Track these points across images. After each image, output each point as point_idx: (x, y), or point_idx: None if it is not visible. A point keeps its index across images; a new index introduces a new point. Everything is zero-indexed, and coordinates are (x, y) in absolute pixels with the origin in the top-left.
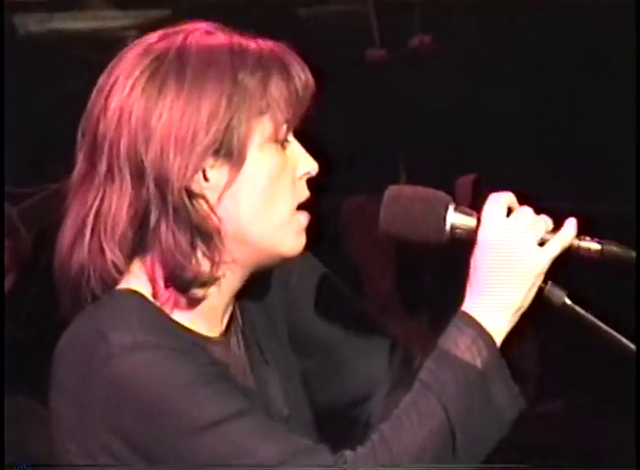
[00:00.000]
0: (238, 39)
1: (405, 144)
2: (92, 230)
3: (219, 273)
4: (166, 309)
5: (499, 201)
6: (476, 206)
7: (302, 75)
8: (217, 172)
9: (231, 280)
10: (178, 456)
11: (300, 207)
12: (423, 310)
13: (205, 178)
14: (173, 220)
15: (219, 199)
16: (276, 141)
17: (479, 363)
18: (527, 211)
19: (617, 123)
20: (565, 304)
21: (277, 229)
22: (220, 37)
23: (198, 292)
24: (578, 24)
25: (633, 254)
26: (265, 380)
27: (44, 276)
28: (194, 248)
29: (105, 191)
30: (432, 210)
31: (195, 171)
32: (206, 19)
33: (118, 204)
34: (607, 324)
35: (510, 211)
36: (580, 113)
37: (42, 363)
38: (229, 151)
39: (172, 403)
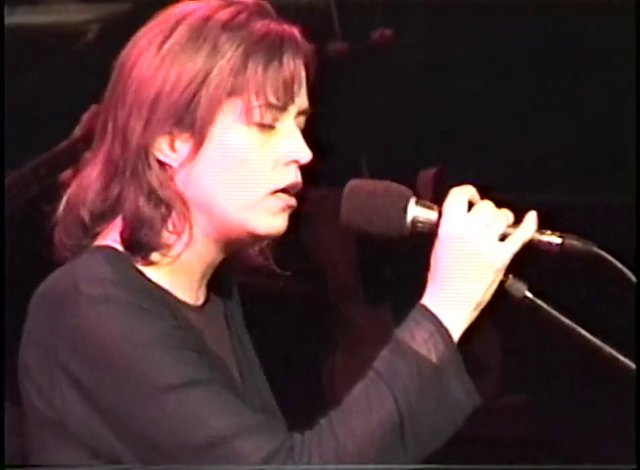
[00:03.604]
0: (244, 18)
1: (367, 137)
2: (69, 197)
3: (182, 241)
4: (142, 269)
5: (460, 195)
6: (438, 199)
7: (292, 64)
8: (183, 144)
9: (206, 251)
10: (129, 415)
11: (288, 191)
12: (385, 302)
13: (173, 148)
14: (135, 183)
15: (183, 170)
16: (252, 124)
17: (434, 357)
18: (488, 205)
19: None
20: (525, 297)
21: (245, 209)
22: (230, 13)
23: (157, 257)
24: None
25: (594, 247)
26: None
27: None
28: (154, 213)
29: (95, 154)
30: (392, 203)
31: (153, 135)
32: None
33: (93, 165)
34: (570, 319)
35: (471, 205)
36: (542, 105)
37: None
38: (191, 124)
39: (131, 361)
